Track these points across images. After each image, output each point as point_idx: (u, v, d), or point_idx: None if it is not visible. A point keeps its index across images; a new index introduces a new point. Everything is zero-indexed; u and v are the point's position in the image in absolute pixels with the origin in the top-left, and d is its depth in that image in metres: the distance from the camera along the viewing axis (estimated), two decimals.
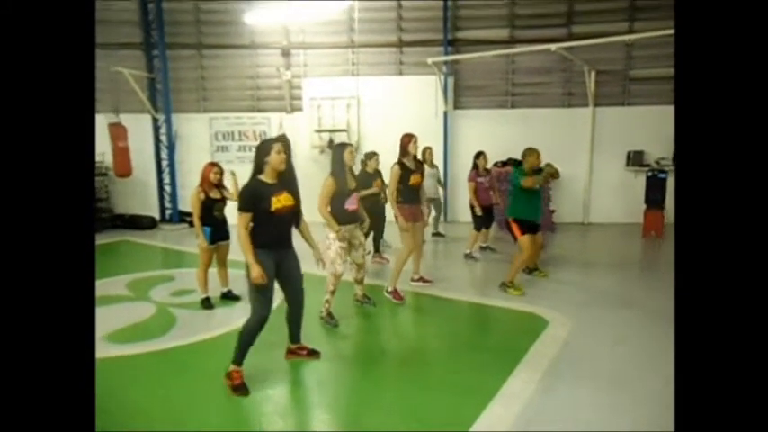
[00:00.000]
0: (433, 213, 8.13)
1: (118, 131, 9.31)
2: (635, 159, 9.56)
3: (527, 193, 5.28)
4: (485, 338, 4.41)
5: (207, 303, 5.05)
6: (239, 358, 3.29)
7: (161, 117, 10.25)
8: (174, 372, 3.68)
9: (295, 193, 3.33)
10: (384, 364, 3.87)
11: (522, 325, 4.55)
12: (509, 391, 3.27)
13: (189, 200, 4.98)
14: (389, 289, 5.16)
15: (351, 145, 4.54)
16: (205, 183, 4.89)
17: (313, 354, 3.78)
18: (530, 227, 5.31)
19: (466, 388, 3.33)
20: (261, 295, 3.22)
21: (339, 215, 4.42)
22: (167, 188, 10.45)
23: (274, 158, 3.19)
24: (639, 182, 9.01)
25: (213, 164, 5.02)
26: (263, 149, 3.22)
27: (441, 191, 8.21)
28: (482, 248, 7.23)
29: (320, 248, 3.71)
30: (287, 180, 3.30)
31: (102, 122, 9.20)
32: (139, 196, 10.41)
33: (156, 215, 10.49)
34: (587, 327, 4.39)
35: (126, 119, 9.47)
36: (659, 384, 3.24)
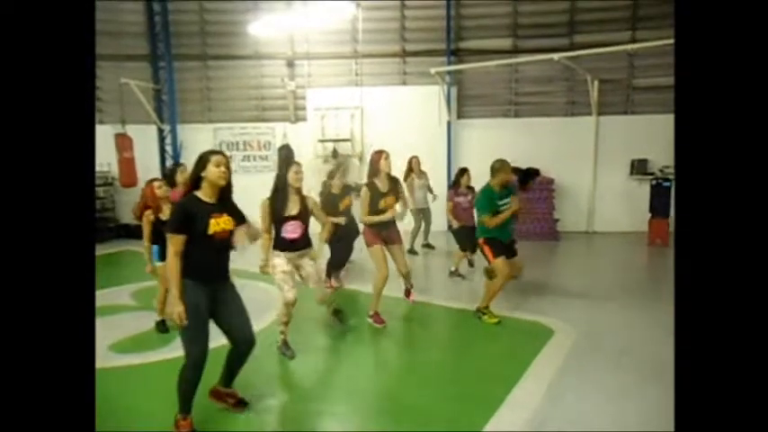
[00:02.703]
0: (416, 224, 7.83)
1: (124, 142, 9.39)
2: (639, 168, 9.54)
3: (495, 212, 4.70)
4: (490, 347, 4.38)
5: (162, 327, 4.64)
6: (184, 408, 2.86)
7: (166, 128, 10.33)
8: None
9: (238, 216, 2.89)
10: (390, 371, 3.87)
11: (527, 334, 4.53)
12: (516, 399, 3.26)
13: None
14: (370, 313, 4.77)
15: (298, 164, 3.99)
16: (153, 203, 4.45)
17: (240, 405, 3.16)
18: (502, 248, 4.79)
19: (472, 396, 3.32)
20: (193, 335, 2.75)
21: (277, 243, 3.95)
22: None
23: (212, 172, 2.73)
24: (644, 190, 8.99)
25: (153, 180, 4.57)
26: (200, 162, 2.77)
27: (431, 199, 8.02)
28: (451, 272, 6.60)
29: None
30: (228, 199, 2.86)
31: (108, 133, 9.30)
32: None
33: None
34: (593, 336, 4.37)
35: (132, 129, 9.55)
36: (667, 393, 3.22)
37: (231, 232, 2.81)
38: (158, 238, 4.46)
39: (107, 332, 4.51)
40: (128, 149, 9.44)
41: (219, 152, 2.86)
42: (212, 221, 2.71)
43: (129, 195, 10.16)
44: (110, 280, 6.45)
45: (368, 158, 4.88)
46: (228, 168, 2.80)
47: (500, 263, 4.73)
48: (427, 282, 6.49)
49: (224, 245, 2.82)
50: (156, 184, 4.49)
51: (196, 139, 10.39)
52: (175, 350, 4.18)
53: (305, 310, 4.54)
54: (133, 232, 10.10)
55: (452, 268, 6.62)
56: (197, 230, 2.70)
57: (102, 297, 5.62)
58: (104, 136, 9.08)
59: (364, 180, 6.04)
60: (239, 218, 2.90)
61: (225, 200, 2.84)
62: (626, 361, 3.86)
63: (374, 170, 4.59)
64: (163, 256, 4.44)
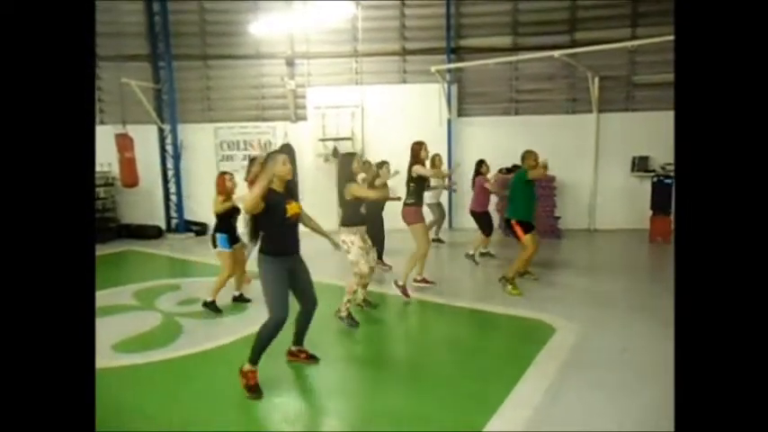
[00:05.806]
0: (435, 216, 8.21)
1: (124, 142, 9.39)
2: (640, 165, 9.53)
3: (526, 196, 5.62)
4: (493, 345, 4.39)
5: (214, 307, 5.14)
6: (255, 358, 3.37)
7: (167, 127, 10.33)
8: (181, 381, 3.67)
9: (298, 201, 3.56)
10: (392, 370, 3.87)
11: (529, 332, 4.53)
12: (517, 397, 3.25)
13: (212, 208, 5.14)
14: (400, 283, 5.42)
15: (356, 154, 4.79)
16: (224, 192, 5.06)
17: (312, 359, 3.86)
18: (530, 227, 5.62)
19: (475, 394, 3.32)
20: (280, 298, 3.34)
21: (355, 216, 4.67)
22: (173, 198, 10.50)
23: (281, 169, 3.37)
24: (645, 187, 8.98)
25: (225, 172, 5.22)
26: (272, 162, 3.38)
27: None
28: (482, 254, 7.34)
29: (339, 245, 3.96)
30: (292, 190, 3.55)
31: (109, 133, 9.30)
32: (146, 206, 10.47)
33: (163, 225, 10.54)
34: (595, 334, 4.37)
35: (132, 129, 9.55)
36: (668, 391, 3.22)
37: (299, 215, 3.48)
38: (225, 227, 5.09)
39: (110, 332, 4.52)
40: (128, 149, 9.44)
41: (284, 152, 3.46)
42: (288, 207, 3.36)
43: (130, 195, 10.20)
44: (111, 280, 6.45)
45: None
46: (294, 164, 3.53)
47: (530, 237, 5.57)
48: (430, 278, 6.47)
49: (296, 225, 3.49)
50: (227, 176, 5.13)
51: (196, 138, 10.41)
52: (179, 349, 4.23)
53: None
54: (134, 232, 10.15)
55: (470, 252, 7.14)
56: (278, 215, 3.31)
57: (104, 297, 5.62)
58: (105, 136, 9.08)
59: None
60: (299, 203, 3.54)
61: (290, 189, 3.51)
62: (627, 359, 3.86)
63: (417, 158, 5.41)
64: (229, 243, 5.10)
